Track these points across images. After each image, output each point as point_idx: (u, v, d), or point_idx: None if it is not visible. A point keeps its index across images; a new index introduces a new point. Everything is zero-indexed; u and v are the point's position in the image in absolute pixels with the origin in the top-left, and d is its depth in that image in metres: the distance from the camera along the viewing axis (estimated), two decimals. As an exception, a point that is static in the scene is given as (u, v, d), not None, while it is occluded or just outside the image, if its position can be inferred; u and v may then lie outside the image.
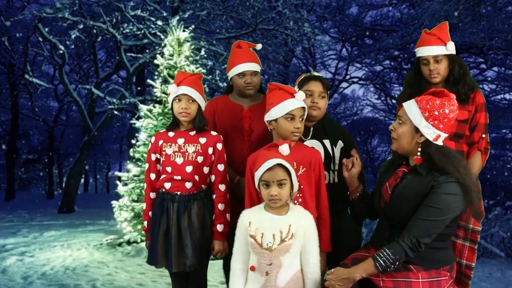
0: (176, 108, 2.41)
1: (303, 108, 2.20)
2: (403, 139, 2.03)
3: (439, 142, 1.98)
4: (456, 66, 2.46)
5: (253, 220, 1.97)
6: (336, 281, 1.91)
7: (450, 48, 2.43)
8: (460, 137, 2.45)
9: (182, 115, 2.40)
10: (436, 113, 1.95)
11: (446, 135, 2.00)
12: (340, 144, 2.47)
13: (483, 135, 2.46)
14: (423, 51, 2.47)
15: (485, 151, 2.46)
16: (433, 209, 1.89)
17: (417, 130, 1.99)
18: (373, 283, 1.94)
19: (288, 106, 2.15)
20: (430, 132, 1.96)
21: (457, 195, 1.91)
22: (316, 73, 2.50)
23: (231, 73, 2.59)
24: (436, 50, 2.43)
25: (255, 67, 2.57)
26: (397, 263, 1.89)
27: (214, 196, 2.43)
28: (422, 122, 1.96)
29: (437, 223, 1.90)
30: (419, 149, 2.00)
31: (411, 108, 2.01)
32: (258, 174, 1.97)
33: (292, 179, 1.96)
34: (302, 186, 2.17)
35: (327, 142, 2.45)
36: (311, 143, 2.43)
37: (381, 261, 1.87)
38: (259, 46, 2.66)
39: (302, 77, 2.49)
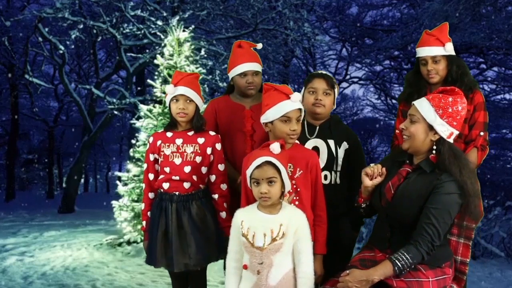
0: (173, 109, 2.41)
1: (300, 109, 2.16)
2: (416, 137, 2.02)
3: (451, 140, 2.00)
4: (454, 66, 2.49)
5: (245, 219, 1.98)
6: (354, 282, 1.88)
7: (449, 48, 2.46)
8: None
9: (179, 116, 2.40)
10: (450, 110, 1.96)
11: (458, 132, 2.01)
12: (344, 145, 2.46)
13: (481, 133, 2.47)
14: (422, 52, 2.50)
15: (482, 148, 2.47)
16: (443, 211, 1.91)
17: (431, 128, 1.99)
18: (385, 283, 1.93)
19: (284, 108, 2.11)
20: (444, 130, 1.97)
21: (456, 193, 1.94)
22: (321, 71, 2.50)
23: (232, 73, 2.57)
24: (435, 51, 2.46)
25: (257, 67, 2.56)
26: (412, 266, 1.91)
27: (216, 196, 2.42)
28: (437, 119, 1.96)
29: (447, 224, 1.93)
30: (434, 147, 2.00)
31: (423, 106, 2.00)
32: (248, 172, 1.97)
33: (282, 177, 1.95)
34: (299, 189, 2.15)
35: (331, 142, 2.44)
36: (315, 141, 2.43)
37: (400, 265, 1.88)
38: (259, 46, 2.65)
39: (308, 76, 2.50)
